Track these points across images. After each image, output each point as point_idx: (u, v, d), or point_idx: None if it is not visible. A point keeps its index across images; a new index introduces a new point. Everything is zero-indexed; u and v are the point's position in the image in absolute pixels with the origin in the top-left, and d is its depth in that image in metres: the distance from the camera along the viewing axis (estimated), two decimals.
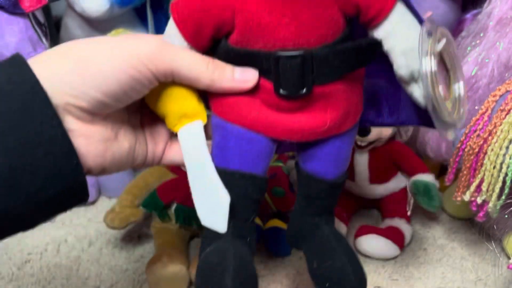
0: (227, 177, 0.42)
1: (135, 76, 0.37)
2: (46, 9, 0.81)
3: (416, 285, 0.67)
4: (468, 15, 0.84)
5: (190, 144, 0.42)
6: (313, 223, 0.48)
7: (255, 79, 0.41)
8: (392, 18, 0.41)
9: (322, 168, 0.46)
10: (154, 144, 0.46)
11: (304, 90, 0.40)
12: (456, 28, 0.85)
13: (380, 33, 0.41)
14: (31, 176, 0.34)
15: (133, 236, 0.77)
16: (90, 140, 0.38)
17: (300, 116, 0.42)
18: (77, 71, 0.36)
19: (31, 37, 0.69)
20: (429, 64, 0.39)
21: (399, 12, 0.41)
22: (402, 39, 0.41)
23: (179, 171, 0.75)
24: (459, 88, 0.43)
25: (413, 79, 0.41)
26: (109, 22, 0.79)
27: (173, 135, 0.47)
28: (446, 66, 0.42)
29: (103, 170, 0.40)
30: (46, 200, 0.35)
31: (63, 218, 0.82)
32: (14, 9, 0.69)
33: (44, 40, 0.71)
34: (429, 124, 0.46)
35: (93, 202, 0.85)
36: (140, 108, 0.45)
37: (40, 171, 0.34)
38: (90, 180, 0.82)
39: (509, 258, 0.70)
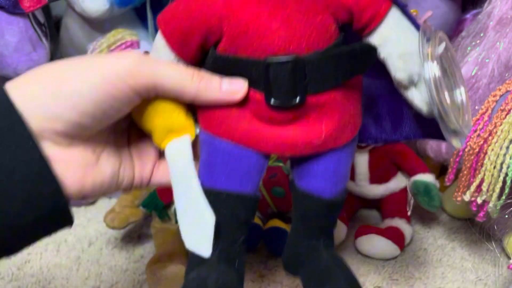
0: (214, 197, 0.39)
1: (113, 94, 0.35)
2: (46, 9, 0.81)
3: (416, 285, 0.67)
4: (468, 15, 0.84)
5: (177, 160, 0.39)
6: (310, 246, 0.44)
7: (244, 90, 0.38)
8: (388, 23, 0.39)
9: (319, 186, 0.42)
10: (141, 165, 0.43)
11: (297, 99, 0.38)
12: (456, 28, 0.85)
13: (375, 39, 0.39)
14: (8, 200, 0.32)
15: (133, 236, 0.77)
16: (67, 165, 0.36)
17: (293, 128, 0.39)
18: (50, 92, 0.34)
19: (31, 37, 0.69)
20: (432, 69, 0.37)
21: (394, 17, 0.39)
22: (399, 43, 0.39)
23: None
24: (460, 94, 0.41)
25: (412, 83, 0.39)
26: (109, 22, 0.79)
27: (161, 156, 0.44)
28: (446, 72, 0.40)
29: (83, 197, 0.38)
30: (26, 225, 0.34)
31: None
32: (14, 9, 0.69)
33: (44, 40, 0.71)
34: (434, 135, 0.45)
35: (93, 202, 0.85)
36: (128, 127, 0.43)
37: (17, 195, 0.33)
38: None
39: (509, 258, 0.70)
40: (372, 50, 0.39)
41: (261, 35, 0.37)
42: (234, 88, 0.39)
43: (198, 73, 0.39)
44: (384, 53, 0.39)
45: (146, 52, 0.73)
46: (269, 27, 0.37)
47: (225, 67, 0.39)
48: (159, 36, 0.40)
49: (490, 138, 0.56)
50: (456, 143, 0.39)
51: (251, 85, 0.39)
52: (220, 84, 0.39)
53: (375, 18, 0.38)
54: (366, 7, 0.38)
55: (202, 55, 0.40)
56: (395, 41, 0.39)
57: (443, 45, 0.40)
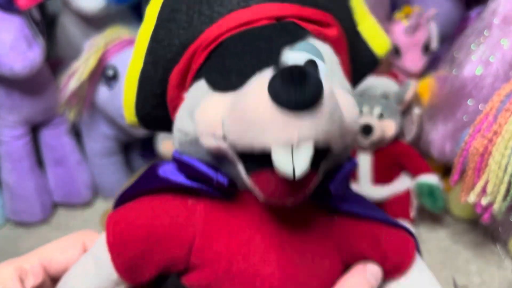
0: None
1: None
2: (41, 7, 0.80)
3: None
4: (472, 13, 0.83)
5: None
6: None
7: None
8: (411, 276, 0.34)
9: None
10: None
11: None
12: (460, 26, 0.84)
13: None
14: None
15: None
16: None
17: None
18: None
19: (26, 35, 0.68)
20: None
21: (419, 269, 0.34)
22: None
23: None
24: None
25: None
26: (105, 20, 0.79)
27: None
28: None
29: None
30: None
31: (59, 220, 0.81)
32: (10, 6, 0.68)
33: (40, 38, 0.70)
34: None
35: (90, 203, 0.84)
36: None
37: None
38: (85, 181, 0.82)
39: None
40: None
41: (248, 280, 0.30)
42: None
43: None
44: None
45: None
46: (259, 272, 0.30)
47: None
48: (103, 245, 0.31)
49: (494, 138, 0.55)
50: None
51: None
52: None
53: (399, 268, 0.34)
54: (388, 256, 0.33)
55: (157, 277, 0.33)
56: None
57: None
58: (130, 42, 0.75)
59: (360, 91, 0.73)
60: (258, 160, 0.27)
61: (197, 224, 0.31)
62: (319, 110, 0.26)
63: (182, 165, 0.32)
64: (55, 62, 0.85)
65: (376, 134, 0.71)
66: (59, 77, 0.75)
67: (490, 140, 0.56)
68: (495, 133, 0.56)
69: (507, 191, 0.56)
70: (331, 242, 0.32)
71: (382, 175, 0.75)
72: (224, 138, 0.29)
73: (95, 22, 0.81)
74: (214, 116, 0.29)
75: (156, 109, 0.36)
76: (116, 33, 0.74)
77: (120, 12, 0.82)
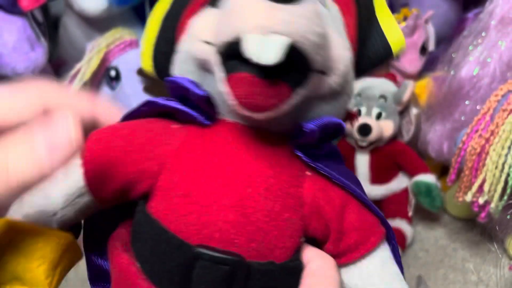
0: None
1: None
2: (44, 8, 0.80)
3: None
4: (470, 14, 0.83)
5: None
6: None
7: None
8: (373, 261, 0.31)
9: None
10: None
11: None
12: (457, 27, 0.85)
13: (354, 276, 0.31)
14: None
15: None
16: None
17: None
18: None
19: (29, 36, 0.69)
20: None
21: (383, 256, 0.31)
22: None
23: None
24: None
25: None
26: (108, 21, 0.79)
27: None
28: None
29: None
30: None
31: None
32: (13, 8, 0.69)
33: (42, 39, 0.70)
34: None
35: None
36: None
37: None
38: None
39: (510, 259, 0.69)
40: None
41: (205, 207, 0.28)
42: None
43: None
44: None
45: None
46: (219, 200, 0.28)
47: (147, 233, 0.30)
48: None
49: (491, 138, 0.56)
50: None
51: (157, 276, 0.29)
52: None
53: (359, 248, 0.30)
54: (350, 230, 0.30)
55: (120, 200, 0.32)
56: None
57: None
58: (132, 43, 0.75)
59: (358, 91, 0.74)
60: (236, 65, 0.27)
61: (174, 145, 0.31)
62: (298, 9, 0.26)
63: (169, 83, 0.32)
64: (58, 63, 0.86)
65: (374, 134, 0.71)
66: (61, 78, 0.76)
67: (487, 140, 0.56)
68: (492, 133, 0.56)
69: (504, 190, 0.56)
70: (296, 197, 0.30)
71: (380, 175, 0.76)
72: (211, 44, 0.29)
73: (97, 24, 0.81)
74: (207, 23, 0.30)
75: (170, 45, 0.35)
76: (118, 34, 0.74)
77: (122, 14, 0.83)
